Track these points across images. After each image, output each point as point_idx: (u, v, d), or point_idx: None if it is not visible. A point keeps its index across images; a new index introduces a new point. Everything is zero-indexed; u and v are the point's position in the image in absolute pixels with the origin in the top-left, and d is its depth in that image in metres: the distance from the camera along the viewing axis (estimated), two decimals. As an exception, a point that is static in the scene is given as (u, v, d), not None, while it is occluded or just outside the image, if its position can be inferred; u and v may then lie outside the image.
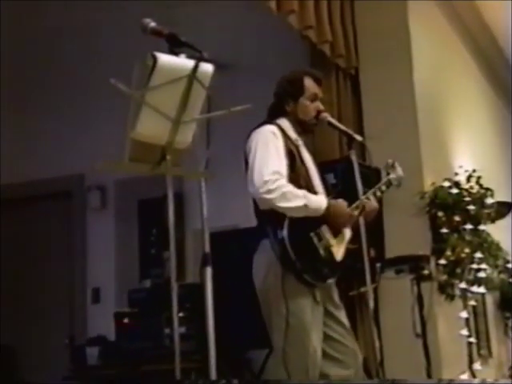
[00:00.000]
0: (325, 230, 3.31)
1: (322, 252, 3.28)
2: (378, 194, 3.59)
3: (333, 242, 3.33)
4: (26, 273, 6.75)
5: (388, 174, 3.71)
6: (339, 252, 3.35)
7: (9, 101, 6.29)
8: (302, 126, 3.50)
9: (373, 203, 3.49)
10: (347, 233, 3.40)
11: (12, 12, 5.00)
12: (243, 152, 3.38)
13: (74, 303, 6.68)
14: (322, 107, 3.51)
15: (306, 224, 3.25)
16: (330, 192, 3.51)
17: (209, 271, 2.58)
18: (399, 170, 3.74)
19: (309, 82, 3.50)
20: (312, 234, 3.27)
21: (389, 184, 3.68)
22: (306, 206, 3.23)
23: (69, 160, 6.71)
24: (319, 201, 3.31)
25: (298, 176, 3.34)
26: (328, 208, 3.28)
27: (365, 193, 3.44)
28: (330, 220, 3.30)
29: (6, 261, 6.64)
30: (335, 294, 3.43)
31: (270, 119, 3.48)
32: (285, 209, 3.21)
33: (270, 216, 3.26)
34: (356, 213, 3.38)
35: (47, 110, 6.80)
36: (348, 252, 3.39)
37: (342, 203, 3.35)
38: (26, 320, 6.60)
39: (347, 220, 3.34)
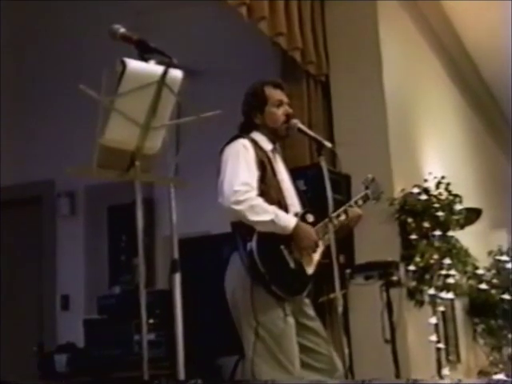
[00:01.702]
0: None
1: (292, 265, 3.27)
2: (354, 207, 3.58)
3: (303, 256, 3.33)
4: (-6, 279, 6.69)
5: (367, 188, 3.71)
6: (310, 265, 3.35)
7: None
8: (275, 134, 3.50)
9: (356, 210, 3.52)
10: (319, 247, 3.38)
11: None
12: (216, 167, 3.37)
13: (43, 310, 6.63)
14: (290, 110, 3.52)
15: (275, 237, 3.24)
16: (307, 204, 3.50)
17: (178, 278, 2.57)
18: (378, 186, 3.76)
19: (269, 90, 3.50)
20: (282, 247, 3.27)
21: (366, 198, 3.68)
22: (273, 221, 3.21)
23: (39, 166, 6.67)
24: (288, 220, 3.28)
25: (268, 188, 3.33)
26: (295, 228, 3.27)
27: (335, 200, 3.43)
28: (294, 240, 3.29)
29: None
30: (307, 307, 3.42)
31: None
32: (252, 222, 3.20)
33: (240, 228, 3.26)
34: (343, 218, 3.41)
35: (18, 116, 6.75)
36: (319, 265, 3.38)
37: (309, 228, 3.33)
38: (-5, 327, 6.53)
39: (311, 245, 3.31)
